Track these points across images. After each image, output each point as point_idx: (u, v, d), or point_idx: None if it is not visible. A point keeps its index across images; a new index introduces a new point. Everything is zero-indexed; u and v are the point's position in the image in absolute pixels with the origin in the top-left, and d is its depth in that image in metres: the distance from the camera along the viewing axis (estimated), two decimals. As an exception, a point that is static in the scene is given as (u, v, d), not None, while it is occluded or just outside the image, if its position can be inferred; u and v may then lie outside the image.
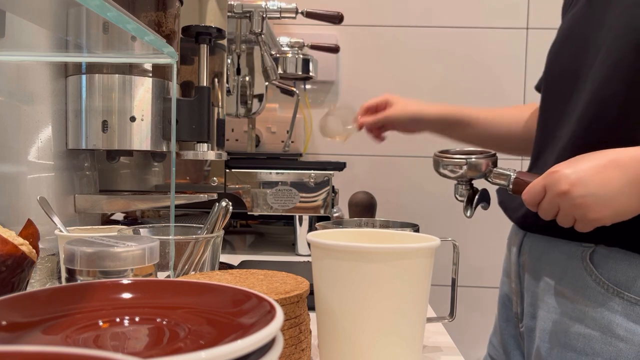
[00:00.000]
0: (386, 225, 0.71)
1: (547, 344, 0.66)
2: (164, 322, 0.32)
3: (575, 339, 0.63)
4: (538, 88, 0.89)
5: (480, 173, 0.68)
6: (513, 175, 0.66)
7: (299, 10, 1.12)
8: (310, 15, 1.18)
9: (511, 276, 0.78)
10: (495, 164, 0.69)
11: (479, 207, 0.71)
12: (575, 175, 0.57)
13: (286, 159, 1.10)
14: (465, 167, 0.68)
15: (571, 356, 0.63)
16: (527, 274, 0.72)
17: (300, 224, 1.04)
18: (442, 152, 0.72)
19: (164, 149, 0.78)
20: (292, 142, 1.51)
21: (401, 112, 0.91)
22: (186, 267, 0.55)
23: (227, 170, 1.02)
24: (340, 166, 1.04)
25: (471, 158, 0.68)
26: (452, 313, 0.56)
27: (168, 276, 0.53)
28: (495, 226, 1.51)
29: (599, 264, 0.62)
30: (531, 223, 0.71)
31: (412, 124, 0.93)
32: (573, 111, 0.67)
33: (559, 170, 0.58)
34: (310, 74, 1.32)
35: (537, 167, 0.74)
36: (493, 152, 0.69)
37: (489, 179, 0.68)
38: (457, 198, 0.72)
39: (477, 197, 0.71)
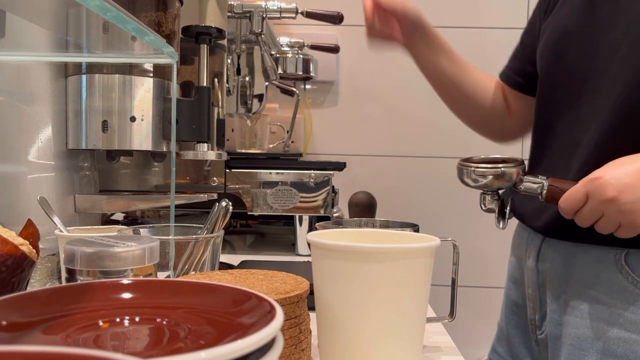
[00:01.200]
0: (386, 225, 0.71)
1: (581, 350, 0.65)
2: (164, 322, 0.32)
3: (615, 343, 0.62)
4: (510, 80, 0.88)
5: (510, 182, 0.65)
6: (546, 183, 0.63)
7: (299, 10, 1.12)
8: (310, 15, 1.18)
9: (526, 283, 0.76)
10: (524, 172, 0.66)
11: (507, 216, 0.69)
12: (621, 182, 0.56)
13: (286, 159, 1.10)
14: (491, 177, 0.65)
15: None
16: (550, 280, 0.71)
17: (300, 224, 1.04)
18: (466, 160, 0.68)
19: (164, 149, 0.78)
20: (292, 142, 1.51)
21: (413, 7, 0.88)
22: (186, 267, 0.55)
23: (227, 170, 1.02)
24: (340, 166, 1.04)
25: (500, 168, 0.65)
26: (452, 313, 0.56)
27: (168, 276, 0.53)
28: (495, 226, 1.51)
29: (635, 266, 0.62)
30: (557, 230, 0.69)
31: (415, 22, 0.89)
32: (593, 115, 0.66)
33: (602, 176, 0.57)
34: (310, 74, 1.32)
35: (542, 170, 0.73)
36: (521, 159, 0.67)
37: (518, 188, 0.66)
38: (482, 208, 0.69)
39: (508, 207, 0.68)
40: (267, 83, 1.26)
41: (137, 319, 0.33)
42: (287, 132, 1.42)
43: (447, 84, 0.89)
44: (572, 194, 0.59)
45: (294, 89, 1.38)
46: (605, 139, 0.64)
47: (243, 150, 1.27)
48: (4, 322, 0.29)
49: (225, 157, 0.89)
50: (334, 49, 1.43)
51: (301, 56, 1.27)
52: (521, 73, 0.87)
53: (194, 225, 0.60)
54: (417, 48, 0.89)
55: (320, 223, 0.67)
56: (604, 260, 0.64)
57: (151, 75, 0.75)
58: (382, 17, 0.87)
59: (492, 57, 1.61)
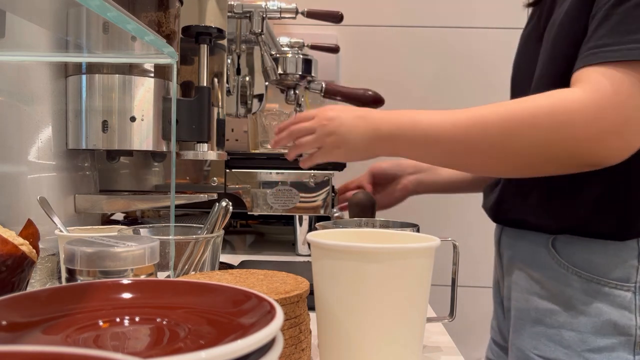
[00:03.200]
0: (386, 225, 0.71)
1: (521, 320, 0.76)
2: (164, 322, 0.32)
3: (544, 314, 0.72)
4: None
5: None
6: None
7: (299, 10, 1.12)
8: (310, 14, 1.18)
9: (496, 264, 0.88)
10: None
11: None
12: (338, 115, 0.75)
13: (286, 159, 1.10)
14: None
15: (541, 329, 0.72)
16: (505, 261, 0.83)
17: (300, 224, 1.04)
18: None
19: (164, 149, 0.78)
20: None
21: (379, 163, 1.06)
22: (186, 267, 0.55)
23: (227, 170, 1.02)
24: (340, 166, 1.04)
25: None
26: (452, 313, 0.56)
27: (168, 276, 0.53)
28: (494, 226, 1.51)
29: (560, 250, 0.72)
30: (501, 218, 0.81)
31: (393, 168, 1.05)
32: None
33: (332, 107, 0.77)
34: (311, 74, 1.32)
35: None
36: None
37: None
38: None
39: None
40: (267, 83, 1.26)
41: (137, 319, 0.33)
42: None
43: (466, 187, 1.04)
44: (306, 113, 0.80)
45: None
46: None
47: (256, 151, 1.29)
48: (4, 322, 0.29)
49: (225, 157, 0.89)
50: (334, 49, 1.43)
51: (301, 56, 1.27)
52: None
53: (194, 225, 0.60)
54: (422, 187, 1.06)
55: (320, 223, 0.67)
56: (539, 244, 0.74)
57: (151, 75, 0.75)
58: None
59: (492, 57, 1.62)
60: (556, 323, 0.71)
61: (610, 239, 0.68)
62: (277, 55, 1.26)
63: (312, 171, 1.02)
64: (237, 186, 1.02)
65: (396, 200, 1.06)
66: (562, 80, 0.66)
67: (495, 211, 0.81)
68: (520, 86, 0.79)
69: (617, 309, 0.67)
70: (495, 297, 0.91)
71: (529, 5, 0.85)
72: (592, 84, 0.60)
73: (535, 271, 0.74)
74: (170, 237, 0.54)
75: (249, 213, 1.02)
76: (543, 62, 0.73)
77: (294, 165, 1.05)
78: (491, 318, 0.95)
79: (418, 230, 0.66)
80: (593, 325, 0.68)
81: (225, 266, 0.78)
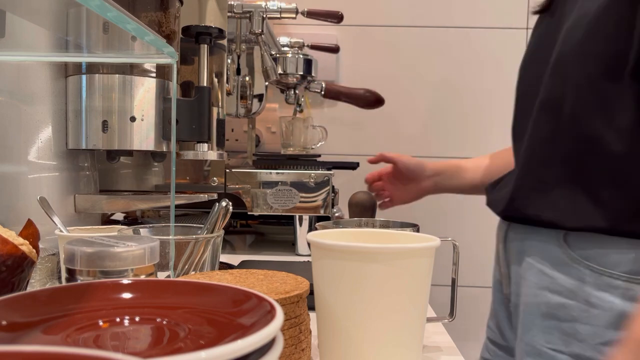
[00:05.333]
0: (386, 225, 0.71)
1: (531, 315, 0.75)
2: (164, 322, 0.32)
3: (556, 308, 0.72)
4: None
5: None
6: None
7: (299, 10, 1.12)
8: (310, 14, 1.18)
9: (500, 262, 0.87)
10: None
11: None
12: None
13: (305, 160, 1.11)
14: None
15: (554, 324, 0.72)
16: (511, 256, 0.82)
17: (300, 224, 1.04)
18: None
19: (164, 149, 0.78)
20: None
21: (408, 158, 1.07)
22: (186, 267, 0.55)
23: (227, 170, 1.02)
24: (353, 165, 1.08)
25: None
26: (452, 313, 0.56)
27: (168, 276, 0.53)
28: (495, 226, 1.51)
29: (572, 244, 0.71)
30: (512, 214, 0.80)
31: (417, 168, 1.06)
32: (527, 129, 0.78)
33: None
34: (311, 74, 1.32)
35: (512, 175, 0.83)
36: None
37: None
38: None
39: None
40: (267, 83, 1.26)
41: (137, 319, 0.33)
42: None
43: (468, 189, 1.06)
44: None
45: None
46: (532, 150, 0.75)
47: (285, 152, 1.32)
48: (4, 322, 0.29)
49: (225, 157, 0.89)
50: (334, 49, 1.43)
51: (301, 56, 1.27)
52: None
53: (194, 225, 0.60)
54: (428, 182, 1.07)
55: (320, 223, 0.67)
56: (550, 238, 0.74)
57: (151, 75, 0.75)
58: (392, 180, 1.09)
59: (492, 57, 1.62)
60: (569, 317, 0.71)
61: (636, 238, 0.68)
62: (277, 55, 1.26)
63: (311, 171, 1.02)
64: (237, 186, 1.02)
65: (412, 199, 1.10)
66: (605, 78, 0.66)
67: (507, 208, 0.80)
68: (530, 90, 0.79)
69: (630, 302, 0.67)
70: (495, 296, 0.91)
71: (537, 12, 0.85)
72: None
73: (546, 266, 0.74)
74: (170, 237, 0.54)
75: (249, 213, 1.02)
76: (565, 64, 0.72)
77: (294, 165, 1.05)
78: (487, 318, 0.94)
79: (418, 230, 0.66)
80: (607, 318, 0.68)
81: (225, 266, 0.78)
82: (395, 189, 1.08)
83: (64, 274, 0.42)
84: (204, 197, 0.83)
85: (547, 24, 0.80)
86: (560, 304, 0.72)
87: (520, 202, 0.77)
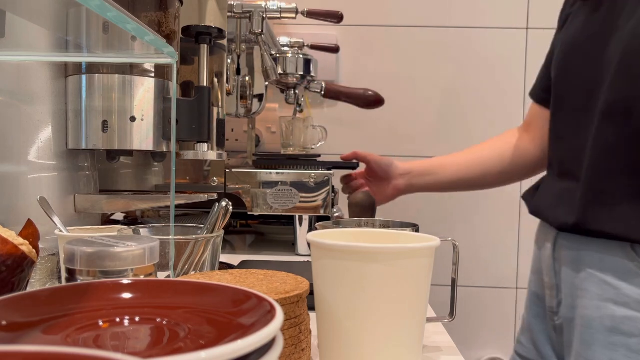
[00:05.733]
0: (386, 225, 0.71)
1: (592, 330, 0.69)
2: (164, 322, 0.32)
3: (622, 322, 0.66)
4: (536, 97, 0.91)
5: None
6: None
7: (299, 10, 1.12)
8: (310, 14, 1.18)
9: (544, 271, 0.81)
10: None
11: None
12: None
13: (305, 160, 1.11)
14: None
15: (619, 339, 0.66)
16: (564, 266, 0.75)
17: (300, 224, 1.04)
18: None
19: (164, 149, 0.78)
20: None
21: (380, 157, 1.06)
22: (186, 267, 0.55)
23: (227, 170, 1.02)
24: (353, 166, 1.10)
25: None
26: (452, 313, 0.56)
27: (168, 276, 0.53)
28: (495, 226, 1.51)
29: None
30: (576, 229, 0.73)
31: (387, 167, 1.05)
32: (592, 123, 0.71)
33: None
34: (311, 74, 1.32)
35: (555, 175, 0.78)
36: None
37: None
38: None
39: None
40: (267, 83, 1.26)
41: (137, 319, 0.33)
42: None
43: (463, 185, 1.02)
44: None
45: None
46: (604, 145, 0.68)
47: (285, 152, 1.32)
48: (4, 322, 0.29)
49: (225, 157, 0.89)
50: (334, 49, 1.43)
51: (301, 56, 1.27)
52: (547, 89, 0.89)
53: (194, 225, 0.60)
54: (414, 188, 1.06)
55: (320, 223, 0.67)
56: (612, 249, 0.68)
57: (151, 75, 0.75)
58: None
59: (492, 57, 1.62)
60: (637, 331, 0.65)
61: None
62: (277, 55, 1.26)
63: (311, 171, 1.02)
64: (237, 186, 1.02)
65: (387, 199, 1.08)
66: None
67: (576, 223, 0.72)
68: (581, 89, 0.74)
69: None
70: (531, 309, 0.85)
71: None
72: None
73: (610, 276, 0.68)
74: (170, 237, 0.54)
75: (249, 213, 1.02)
76: (637, 64, 0.67)
77: (294, 165, 1.05)
78: (518, 333, 0.89)
79: (418, 230, 0.66)
80: None
81: (225, 266, 0.78)
82: (372, 187, 1.07)
83: (64, 274, 0.42)
84: (204, 197, 0.83)
85: (591, 15, 0.74)
86: (626, 317, 0.66)
87: (585, 216, 0.70)
